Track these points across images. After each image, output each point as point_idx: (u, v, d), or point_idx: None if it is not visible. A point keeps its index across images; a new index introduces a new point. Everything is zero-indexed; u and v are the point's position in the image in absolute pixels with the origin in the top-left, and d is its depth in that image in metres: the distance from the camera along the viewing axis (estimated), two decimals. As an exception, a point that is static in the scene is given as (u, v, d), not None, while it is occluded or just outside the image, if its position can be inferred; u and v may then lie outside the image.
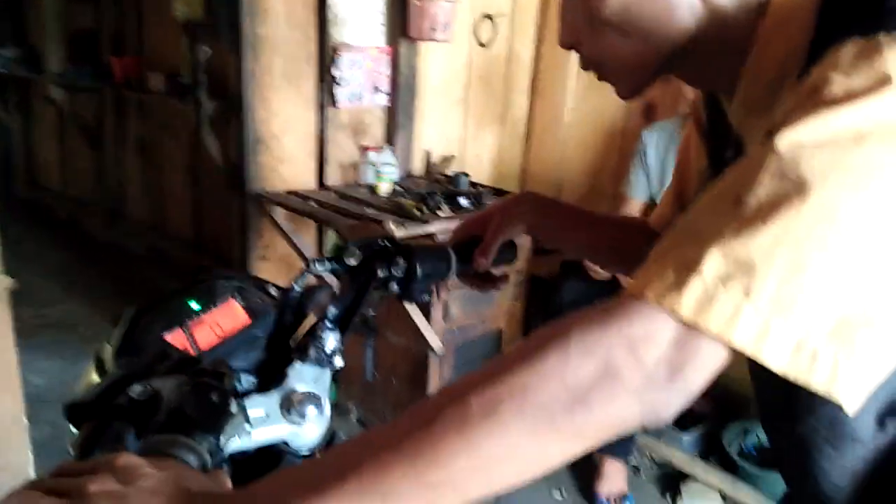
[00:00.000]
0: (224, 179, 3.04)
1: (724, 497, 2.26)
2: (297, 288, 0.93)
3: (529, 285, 2.59)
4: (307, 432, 0.87)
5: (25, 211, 5.14)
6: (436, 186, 2.61)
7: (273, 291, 0.99)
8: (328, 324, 0.91)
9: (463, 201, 2.38)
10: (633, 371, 0.44)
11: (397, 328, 2.39)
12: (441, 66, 2.82)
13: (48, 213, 5.05)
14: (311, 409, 0.86)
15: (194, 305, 0.88)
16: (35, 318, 3.31)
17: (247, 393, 0.89)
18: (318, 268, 0.92)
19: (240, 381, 0.90)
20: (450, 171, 2.80)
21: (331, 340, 0.90)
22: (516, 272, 2.49)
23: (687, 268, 0.44)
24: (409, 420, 0.47)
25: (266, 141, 2.36)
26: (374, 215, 2.19)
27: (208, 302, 0.90)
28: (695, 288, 0.44)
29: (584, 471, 2.41)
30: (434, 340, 2.27)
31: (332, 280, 0.99)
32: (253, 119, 2.32)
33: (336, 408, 2.72)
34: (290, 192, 2.43)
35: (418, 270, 0.92)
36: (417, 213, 2.21)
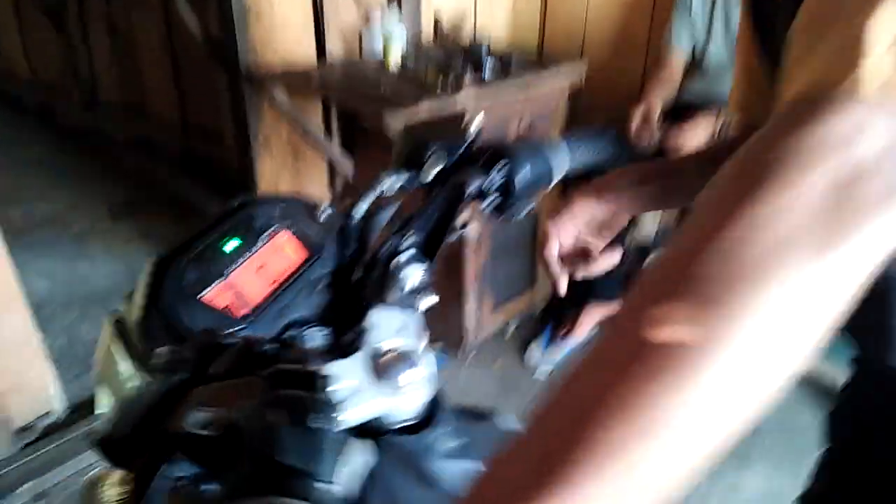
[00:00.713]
0: (207, 56, 2.70)
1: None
2: (360, 209, 0.71)
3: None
4: (406, 402, 0.69)
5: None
6: (453, 54, 2.30)
7: (325, 215, 0.78)
8: (410, 254, 0.70)
9: (488, 69, 2.09)
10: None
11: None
12: None
13: (17, 102, 4.65)
14: (407, 374, 0.68)
15: (233, 244, 0.67)
16: (23, 217, 3.07)
17: (323, 354, 0.70)
18: (389, 183, 0.70)
19: (309, 339, 0.71)
20: (463, 36, 2.47)
21: (415, 275, 0.70)
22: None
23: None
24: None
25: (256, 8, 2.03)
26: (390, 92, 1.91)
27: (250, 238, 0.69)
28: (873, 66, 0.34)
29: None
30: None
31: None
32: (238, -18, 1.97)
33: None
34: (286, 68, 2.12)
35: (522, 178, 0.70)
36: (439, 86, 1.93)
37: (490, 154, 0.70)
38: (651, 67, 2.29)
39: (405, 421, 0.69)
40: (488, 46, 2.26)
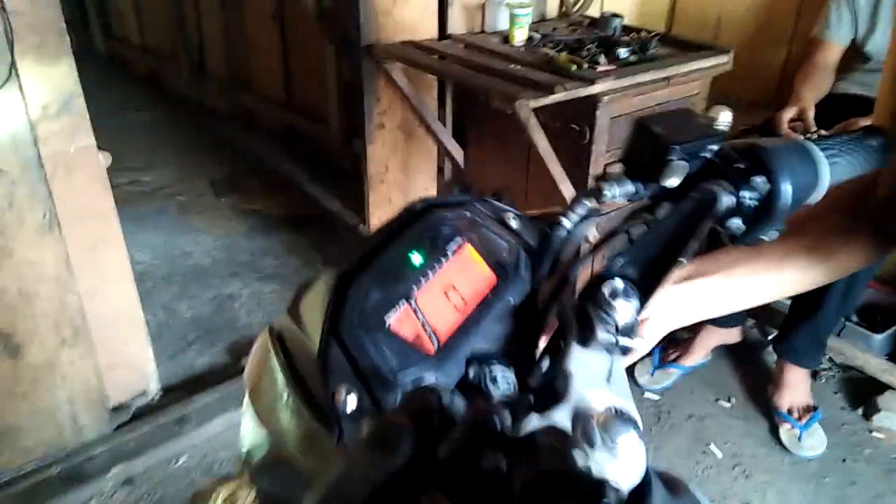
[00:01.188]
0: (318, 30, 2.61)
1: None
2: (571, 220, 0.57)
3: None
4: (619, 477, 0.55)
5: (104, 65, 4.86)
6: (582, 33, 2.11)
7: (516, 224, 0.63)
8: (620, 283, 0.55)
9: (623, 51, 1.89)
10: None
11: (537, 207, 2.03)
12: None
13: (127, 67, 4.75)
14: (625, 437, 0.53)
15: (416, 258, 0.54)
16: (130, 186, 3.11)
17: (513, 405, 0.56)
18: (615, 190, 0.55)
19: (495, 381, 0.57)
20: (593, 13, 2.28)
21: (626, 311, 0.55)
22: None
23: None
24: None
25: (376, -22, 1.91)
26: (520, 71, 1.76)
27: (435, 252, 0.55)
28: None
29: (756, 378, 2.10)
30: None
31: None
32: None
33: None
34: (405, 43, 2.00)
35: (784, 194, 0.54)
36: (574, 69, 1.76)
37: (746, 162, 0.53)
38: (800, 62, 2.03)
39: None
40: (621, 25, 2.06)
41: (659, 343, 2.18)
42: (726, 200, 0.52)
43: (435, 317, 0.51)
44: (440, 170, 2.36)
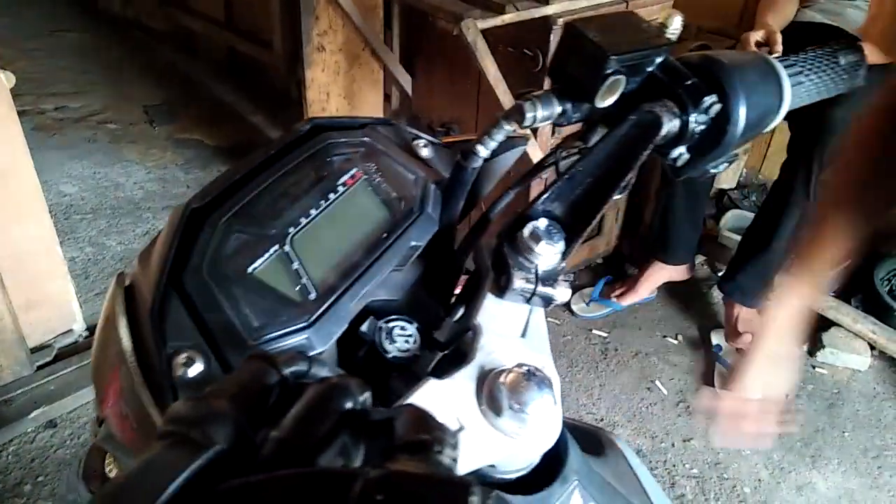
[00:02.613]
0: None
1: (872, 348, 1.92)
2: (486, 148, 0.48)
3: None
4: (529, 445, 0.47)
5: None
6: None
7: (427, 152, 0.54)
8: (543, 224, 0.48)
9: (581, -30, 1.76)
10: None
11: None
12: None
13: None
14: (535, 400, 0.45)
15: (298, 194, 0.44)
16: (56, 112, 2.88)
17: (408, 365, 0.48)
18: (538, 112, 0.45)
19: (391, 337, 0.49)
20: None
21: (549, 254, 0.47)
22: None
23: None
24: None
25: None
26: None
27: (322, 185, 0.46)
28: None
29: (703, 315, 2.09)
30: (534, 150, 1.82)
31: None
32: None
33: None
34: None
35: (738, 118, 0.45)
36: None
37: (695, 79, 0.44)
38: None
39: (519, 472, 0.48)
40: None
41: (603, 276, 2.12)
42: (670, 125, 0.44)
43: (315, 264, 0.42)
44: (387, 97, 2.22)
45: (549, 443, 0.44)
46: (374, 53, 1.96)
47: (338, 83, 2.06)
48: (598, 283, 2.14)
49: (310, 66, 1.96)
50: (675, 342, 2.00)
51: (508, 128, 0.45)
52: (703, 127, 0.45)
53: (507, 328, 0.47)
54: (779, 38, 1.70)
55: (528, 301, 0.47)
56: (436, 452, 0.23)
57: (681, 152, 0.46)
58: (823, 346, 1.91)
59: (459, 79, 1.89)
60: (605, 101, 0.44)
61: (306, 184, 0.44)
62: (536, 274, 0.46)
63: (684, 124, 0.44)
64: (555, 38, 1.65)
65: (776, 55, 0.49)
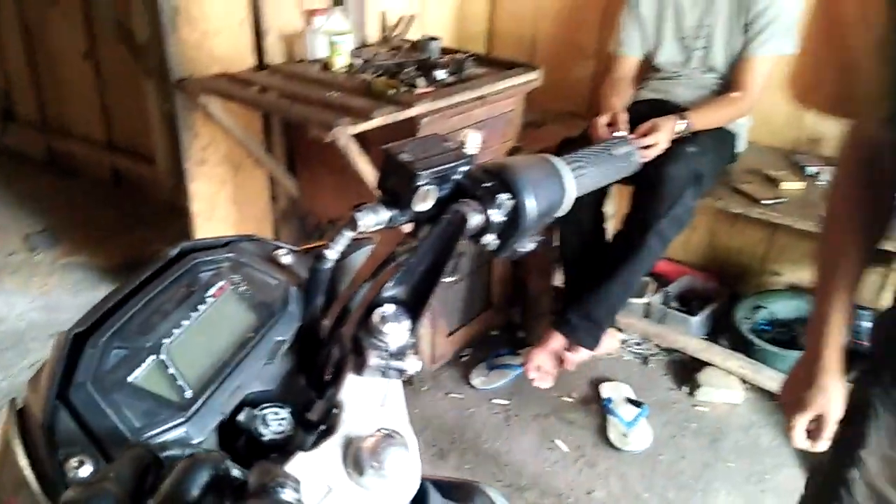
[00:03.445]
0: (133, 64, 2.49)
1: (744, 382, 2.12)
2: (335, 252, 0.57)
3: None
4: (390, 498, 0.55)
5: None
6: (402, 56, 2.16)
7: (288, 260, 0.63)
8: (391, 308, 0.57)
9: (440, 73, 1.96)
10: None
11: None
12: None
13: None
14: (393, 458, 0.54)
15: (170, 309, 0.52)
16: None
17: (284, 445, 0.55)
18: (370, 219, 0.56)
19: (265, 423, 0.56)
20: (413, 36, 2.34)
21: (399, 333, 0.56)
22: (506, 154, 2.14)
23: None
24: None
25: (184, 10, 1.84)
26: (338, 98, 1.76)
27: (192, 298, 0.53)
28: None
29: (591, 369, 2.23)
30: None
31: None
32: (164, -18, 1.78)
33: None
34: (221, 76, 1.94)
35: (529, 210, 0.57)
36: (392, 93, 1.79)
37: (492, 182, 0.56)
38: (604, 75, 2.21)
39: None
40: (439, 48, 2.13)
41: (498, 347, 2.22)
42: (475, 219, 0.55)
43: (189, 367, 0.49)
44: (275, 199, 2.31)
45: (408, 495, 0.52)
46: (257, 162, 2.06)
47: (223, 193, 2.13)
48: (491, 355, 2.25)
49: (193, 180, 2.02)
50: (570, 400, 2.12)
51: (348, 234, 0.55)
52: (502, 219, 0.56)
53: (368, 400, 0.55)
54: (622, 117, 1.94)
55: (384, 375, 0.56)
56: (278, 493, 0.31)
57: (489, 240, 0.57)
58: (700, 386, 2.09)
59: (341, 177, 2.00)
60: (421, 207, 0.55)
61: (177, 300, 0.51)
62: (388, 352, 0.56)
63: (486, 218, 0.55)
64: (422, 135, 1.81)
65: (620, 133, 0.63)
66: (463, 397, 2.15)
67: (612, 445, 1.95)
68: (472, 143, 0.59)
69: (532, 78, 2.06)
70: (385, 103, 1.73)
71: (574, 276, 2.17)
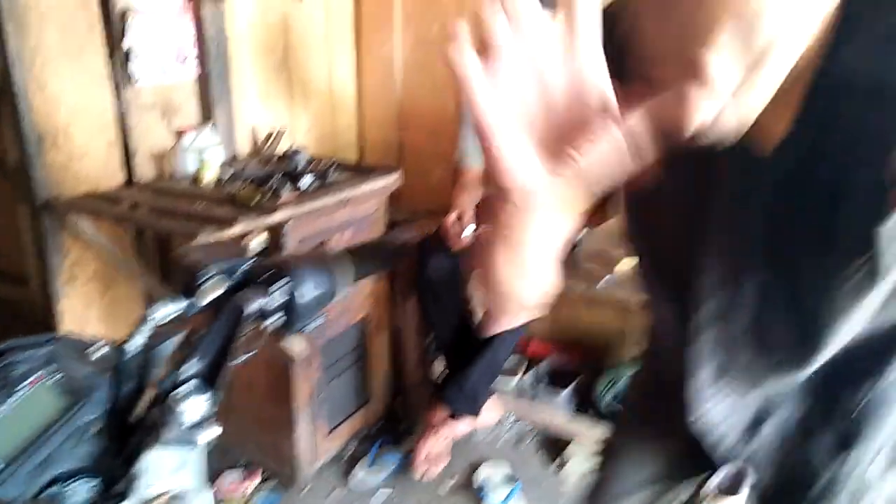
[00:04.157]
0: (5, 188, 2.50)
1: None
2: (135, 344, 0.67)
3: (388, 263, 2.41)
4: None
5: None
6: (270, 167, 2.31)
7: (100, 353, 0.72)
8: (190, 386, 0.67)
9: (305, 181, 2.12)
10: None
11: (249, 335, 2.10)
12: (254, 26, 2.49)
13: None
14: (185, 518, 0.63)
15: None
16: None
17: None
18: (164, 313, 0.67)
19: (72, 496, 0.64)
20: (282, 149, 2.51)
21: (196, 407, 0.66)
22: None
23: None
24: None
25: (51, 136, 1.93)
26: (204, 210, 1.87)
27: (6, 390, 0.62)
28: None
29: (469, 453, 2.33)
30: (295, 344, 2.02)
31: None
32: (30, 109, 1.87)
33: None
34: (90, 195, 2.02)
35: (304, 296, 0.70)
36: (256, 201, 1.92)
37: (270, 273, 0.69)
38: (455, 179, 2.45)
39: None
40: (305, 158, 2.30)
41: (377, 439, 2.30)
42: (255, 305, 0.67)
43: (2, 446, 0.57)
44: (150, 311, 2.33)
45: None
46: (130, 277, 2.10)
47: (95, 308, 2.14)
48: (373, 448, 2.31)
49: (63, 298, 2.04)
50: (452, 481, 2.19)
51: (148, 325, 0.66)
52: (282, 303, 0.69)
53: (166, 468, 0.65)
54: (466, 217, 2.15)
55: (183, 445, 0.66)
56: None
57: (273, 321, 0.70)
58: (568, 460, 2.22)
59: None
60: (208, 298, 0.67)
61: (-6, 391, 0.60)
62: (185, 425, 0.66)
63: (266, 303, 0.68)
64: (288, 239, 1.94)
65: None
66: (346, 493, 2.18)
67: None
68: (257, 244, 0.72)
69: (391, 181, 2.25)
70: (249, 211, 1.86)
71: (452, 359, 2.31)
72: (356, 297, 2.27)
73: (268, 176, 2.16)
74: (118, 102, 2.06)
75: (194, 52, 2.25)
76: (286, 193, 2.03)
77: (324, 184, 2.15)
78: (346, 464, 2.30)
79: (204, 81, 2.30)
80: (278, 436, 2.16)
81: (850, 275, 0.58)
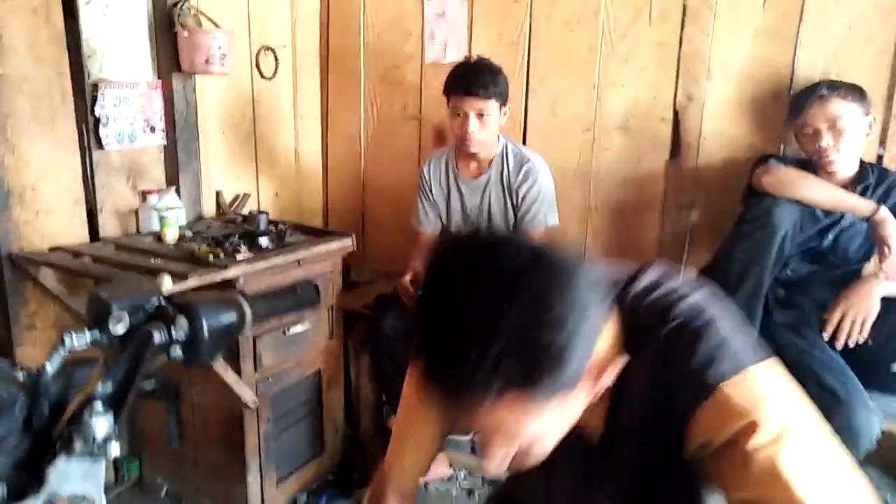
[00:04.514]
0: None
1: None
2: (49, 368, 0.77)
3: (344, 321, 2.51)
4: None
5: None
6: (232, 228, 2.43)
7: (21, 378, 0.82)
8: (97, 406, 0.76)
9: (264, 241, 2.24)
10: None
11: (202, 386, 2.18)
12: (224, 100, 2.66)
13: None
14: (79, 514, 0.72)
15: None
16: None
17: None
18: (76, 341, 0.77)
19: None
20: (245, 211, 2.64)
21: (101, 425, 0.76)
22: (328, 309, 2.39)
23: None
24: None
25: (18, 193, 2.04)
26: (160, 266, 1.98)
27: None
28: None
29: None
30: (247, 393, 2.09)
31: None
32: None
33: (142, 485, 2.37)
34: (54, 249, 2.12)
35: (204, 329, 0.80)
36: (212, 259, 2.03)
37: (176, 309, 0.80)
38: (412, 243, 2.58)
39: None
40: (267, 219, 2.42)
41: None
42: (158, 337, 0.78)
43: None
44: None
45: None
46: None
47: (51, 358, 2.21)
48: (324, 499, 2.35)
49: (20, 345, 2.11)
50: None
51: (60, 354, 0.76)
52: (184, 337, 0.79)
53: (71, 477, 0.74)
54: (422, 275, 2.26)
55: (91, 455, 0.75)
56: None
57: (177, 352, 0.80)
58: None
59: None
60: (118, 330, 0.77)
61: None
62: (93, 438, 0.75)
63: (169, 336, 0.78)
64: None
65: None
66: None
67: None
68: (166, 284, 0.83)
69: (346, 244, 2.37)
70: (204, 267, 1.96)
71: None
72: (310, 351, 2.36)
73: (228, 235, 2.27)
74: (86, 165, 2.19)
75: (162, 122, 2.40)
76: (244, 252, 2.15)
77: (281, 244, 2.26)
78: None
79: (171, 148, 2.44)
80: (229, 484, 2.20)
81: None
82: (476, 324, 0.62)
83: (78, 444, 0.75)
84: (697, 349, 0.73)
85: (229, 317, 0.84)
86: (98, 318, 0.77)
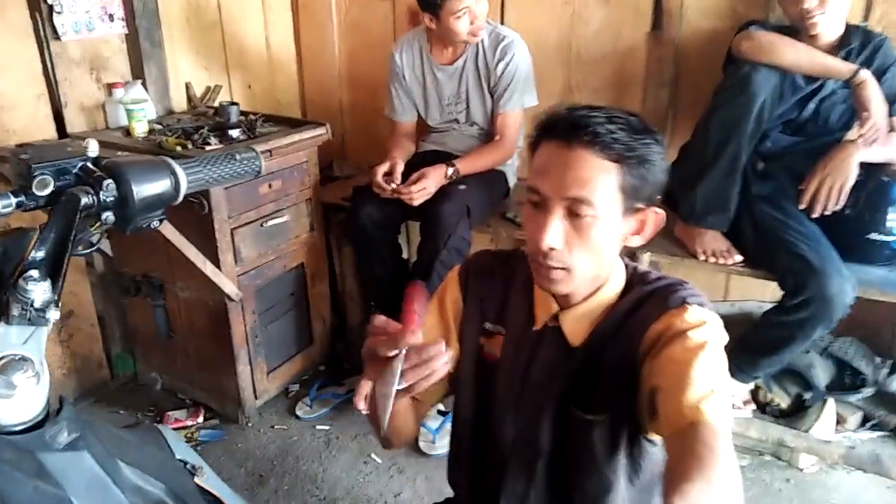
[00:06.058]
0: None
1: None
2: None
3: (323, 213, 2.49)
4: (21, 404, 0.73)
5: None
6: (202, 120, 2.37)
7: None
8: (33, 273, 0.75)
9: (234, 133, 2.18)
10: None
11: (186, 281, 2.19)
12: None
13: None
14: (19, 376, 0.72)
15: None
16: None
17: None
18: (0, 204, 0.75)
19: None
20: (217, 103, 2.56)
21: (39, 291, 0.75)
22: (306, 202, 2.37)
23: None
24: None
25: (-23, 88, 1.97)
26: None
27: None
28: None
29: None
30: (228, 286, 2.11)
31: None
32: (-49, 64, 1.92)
33: (137, 380, 2.42)
34: (20, 145, 2.07)
35: (134, 193, 0.78)
36: (180, 150, 1.99)
37: (100, 172, 0.77)
38: (388, 133, 2.52)
39: (22, 424, 0.73)
40: (238, 110, 2.35)
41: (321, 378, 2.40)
42: (85, 200, 0.76)
43: None
44: (90, 264, 2.39)
45: (34, 403, 0.71)
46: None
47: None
48: (315, 386, 2.42)
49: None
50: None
51: (-15, 220, 0.74)
52: (111, 199, 0.77)
53: (13, 339, 0.74)
54: (398, 168, 2.22)
55: (29, 322, 0.75)
56: None
57: (107, 216, 0.78)
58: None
59: (150, 237, 2.15)
60: (43, 192, 0.75)
61: None
62: (31, 305, 0.74)
63: (98, 199, 0.76)
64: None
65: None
66: (286, 428, 2.29)
67: (422, 452, 2.15)
68: (93, 147, 0.80)
69: (320, 133, 2.32)
70: (174, 158, 1.92)
71: (386, 306, 2.40)
72: (291, 244, 2.35)
73: (198, 128, 2.22)
74: (44, 57, 2.10)
75: (120, 10, 2.28)
76: (213, 143, 2.10)
77: (252, 135, 2.21)
78: (289, 402, 2.41)
79: (133, 38, 2.33)
80: (220, 375, 2.26)
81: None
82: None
83: (15, 310, 0.74)
84: (677, 290, 0.92)
85: (162, 182, 0.82)
86: (22, 180, 0.75)
